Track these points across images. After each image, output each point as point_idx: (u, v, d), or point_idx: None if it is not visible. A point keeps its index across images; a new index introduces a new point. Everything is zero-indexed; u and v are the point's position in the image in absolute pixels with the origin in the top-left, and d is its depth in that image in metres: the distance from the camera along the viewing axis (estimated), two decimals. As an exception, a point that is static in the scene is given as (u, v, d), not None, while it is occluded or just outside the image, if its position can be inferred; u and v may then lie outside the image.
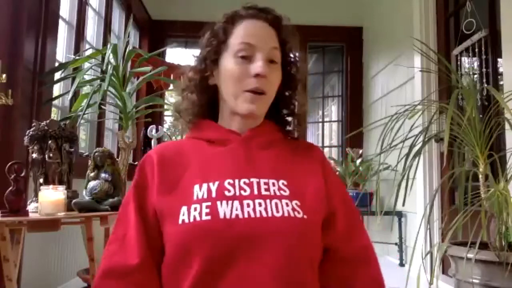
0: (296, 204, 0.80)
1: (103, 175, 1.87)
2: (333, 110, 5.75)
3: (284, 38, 0.92)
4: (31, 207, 1.75)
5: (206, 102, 0.94)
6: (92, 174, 1.89)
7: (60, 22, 2.50)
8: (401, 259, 3.25)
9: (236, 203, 0.77)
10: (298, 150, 0.93)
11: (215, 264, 0.74)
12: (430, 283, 1.55)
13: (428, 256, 2.20)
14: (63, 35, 2.71)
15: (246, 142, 0.88)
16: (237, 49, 0.86)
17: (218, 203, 0.77)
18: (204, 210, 0.76)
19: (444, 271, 2.50)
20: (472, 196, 1.55)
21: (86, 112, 1.98)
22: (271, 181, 0.82)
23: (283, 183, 0.82)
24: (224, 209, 0.76)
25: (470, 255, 1.34)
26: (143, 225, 0.82)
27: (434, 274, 1.50)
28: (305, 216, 0.79)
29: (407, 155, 1.62)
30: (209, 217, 0.75)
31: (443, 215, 2.62)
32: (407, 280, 1.47)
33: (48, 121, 1.82)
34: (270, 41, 0.88)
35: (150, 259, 0.81)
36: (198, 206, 0.77)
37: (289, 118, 0.97)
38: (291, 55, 0.94)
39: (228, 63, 0.88)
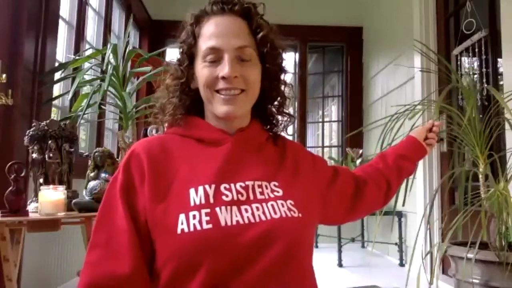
0: (290, 203, 0.80)
1: (103, 175, 1.88)
2: (333, 110, 5.75)
3: (255, 29, 0.85)
4: (31, 207, 1.75)
5: (191, 103, 0.90)
6: (92, 174, 1.89)
7: (60, 22, 2.50)
8: (401, 259, 3.25)
9: (235, 208, 0.75)
10: (283, 149, 0.93)
11: (220, 275, 0.71)
12: (430, 283, 1.55)
13: (428, 256, 2.20)
14: (63, 35, 2.71)
15: (238, 144, 0.85)
16: (203, 54, 0.83)
17: (217, 209, 0.74)
18: (204, 218, 0.73)
19: (444, 271, 2.50)
20: (472, 196, 1.55)
21: (86, 112, 1.97)
22: (264, 183, 0.81)
23: (274, 185, 0.82)
24: (224, 216, 0.74)
25: (470, 255, 1.33)
26: (135, 230, 0.76)
27: (434, 274, 1.49)
28: (300, 215, 0.79)
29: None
30: (210, 226, 0.72)
31: (443, 215, 2.62)
32: (407, 280, 1.46)
33: (48, 121, 1.82)
34: (237, 39, 0.83)
35: (143, 268, 0.75)
36: (196, 213, 0.73)
37: (275, 110, 0.94)
38: (266, 45, 0.86)
39: (199, 67, 0.85)
